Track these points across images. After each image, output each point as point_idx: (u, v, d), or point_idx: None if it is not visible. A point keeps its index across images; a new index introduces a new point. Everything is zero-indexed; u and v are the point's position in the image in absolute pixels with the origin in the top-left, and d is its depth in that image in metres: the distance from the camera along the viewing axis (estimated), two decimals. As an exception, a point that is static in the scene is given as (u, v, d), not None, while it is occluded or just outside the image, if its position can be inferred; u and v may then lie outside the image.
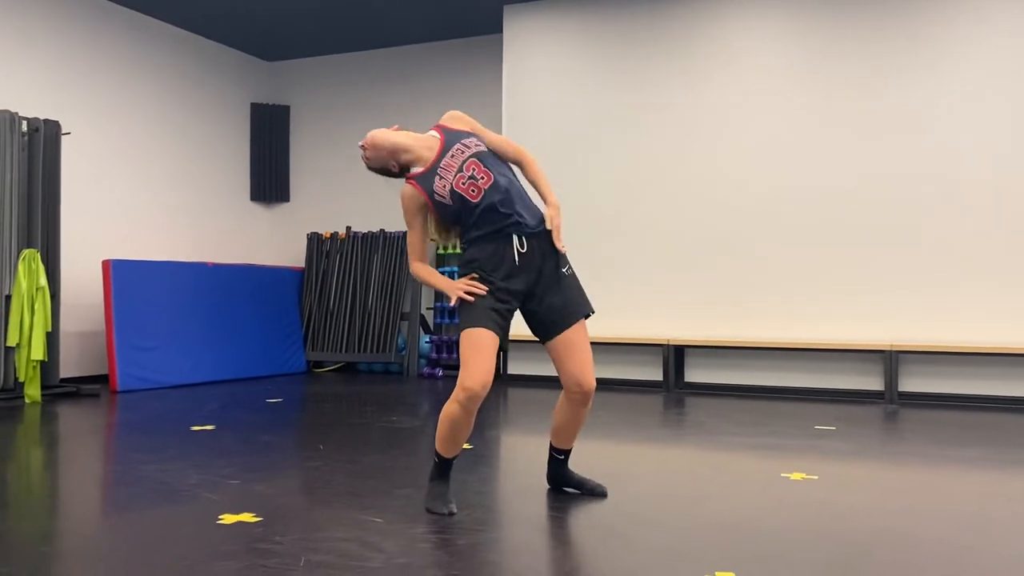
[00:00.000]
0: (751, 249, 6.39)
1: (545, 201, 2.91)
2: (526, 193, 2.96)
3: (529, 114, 7.12)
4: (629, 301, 6.63)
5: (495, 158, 2.91)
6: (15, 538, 2.54)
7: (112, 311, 6.31)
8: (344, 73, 8.53)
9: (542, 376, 6.97)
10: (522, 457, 4.00)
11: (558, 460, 3.15)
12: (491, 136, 2.98)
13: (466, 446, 4.06)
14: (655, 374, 6.56)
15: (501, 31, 7.30)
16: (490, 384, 2.75)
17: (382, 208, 8.20)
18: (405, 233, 7.82)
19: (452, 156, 2.83)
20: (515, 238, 2.82)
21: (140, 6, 7.27)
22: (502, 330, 2.83)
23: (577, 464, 3.27)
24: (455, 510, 2.81)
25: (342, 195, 8.48)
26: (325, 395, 6.25)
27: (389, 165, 2.94)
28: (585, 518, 2.81)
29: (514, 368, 7.19)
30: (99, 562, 2.35)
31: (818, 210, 6.21)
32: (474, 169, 2.81)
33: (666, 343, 6.38)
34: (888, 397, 5.80)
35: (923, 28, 5.99)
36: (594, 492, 3.08)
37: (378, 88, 8.37)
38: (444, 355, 7.56)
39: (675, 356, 6.46)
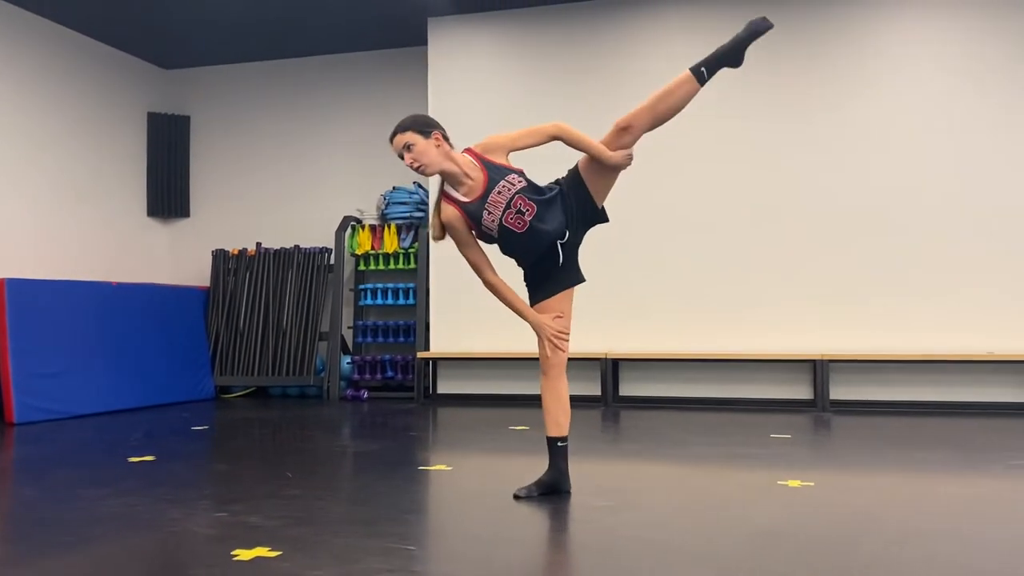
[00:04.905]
0: (680, 264, 6.48)
1: (604, 162, 3.10)
2: (554, 199, 3.13)
3: (456, 128, 6.95)
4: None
5: (534, 187, 3.09)
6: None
7: (7, 335, 5.72)
8: (251, 83, 8.13)
9: (471, 395, 6.83)
10: (495, 476, 3.85)
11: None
12: (524, 138, 3.10)
13: (444, 467, 3.89)
14: (589, 388, 6.53)
15: (426, 43, 7.16)
16: (563, 355, 3.22)
17: (295, 223, 7.85)
18: (323, 249, 7.58)
19: (499, 192, 3.02)
20: (558, 250, 3.16)
21: (27, 3, 6.68)
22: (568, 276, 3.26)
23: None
24: (523, 495, 3.15)
25: (249, 210, 8.06)
26: (252, 421, 5.87)
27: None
28: (615, 531, 2.70)
29: (443, 387, 7.01)
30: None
31: (749, 226, 6.37)
32: (521, 204, 3.03)
33: (604, 357, 6.37)
34: (820, 405, 5.99)
35: (847, 37, 6.29)
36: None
37: (289, 99, 8.03)
38: (367, 376, 7.27)
39: (612, 370, 6.47)
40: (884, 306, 6.09)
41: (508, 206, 3.02)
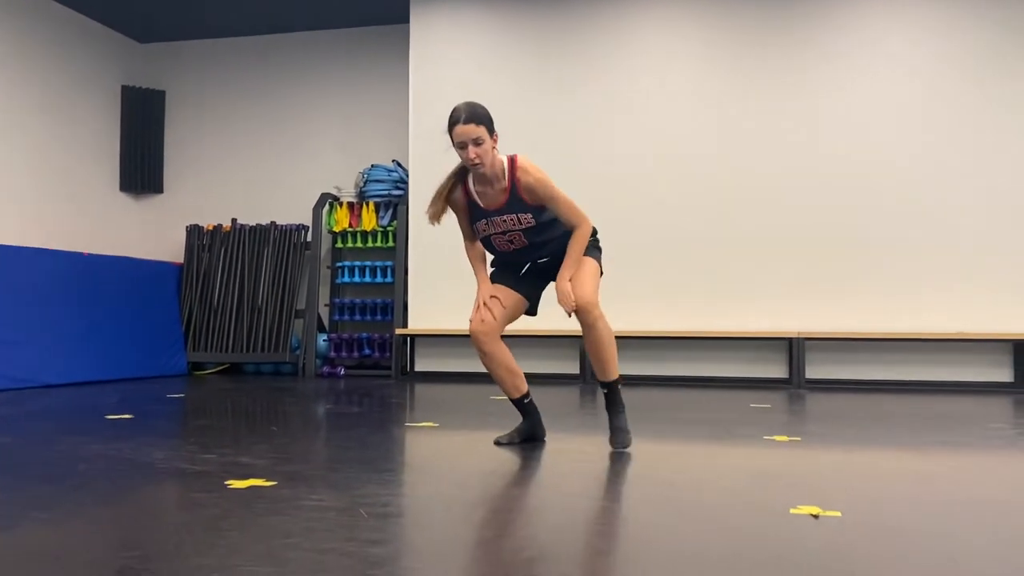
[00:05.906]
0: (657, 245, 6.52)
1: (559, 275, 3.05)
2: (557, 238, 3.16)
3: (437, 107, 6.95)
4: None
5: (540, 229, 3.09)
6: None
7: (-24, 300, 5.59)
8: (228, 58, 8.04)
9: (449, 372, 6.80)
10: (482, 431, 3.84)
11: (602, 393, 3.25)
12: (562, 206, 3.06)
13: (431, 424, 3.86)
14: (567, 367, 6.55)
15: (408, 21, 7.13)
16: (490, 324, 3.12)
17: (272, 199, 7.78)
18: (299, 226, 7.52)
19: (505, 219, 3.07)
20: (524, 267, 3.26)
21: (4, -33, 6.56)
22: (525, 288, 3.23)
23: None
24: (504, 441, 3.21)
25: (224, 186, 7.96)
26: (228, 390, 5.79)
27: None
28: (610, 468, 2.71)
29: (421, 365, 6.97)
30: (123, 528, 2.00)
31: (727, 207, 6.42)
32: (515, 237, 3.10)
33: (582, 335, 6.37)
34: (796, 382, 6.06)
35: (824, 28, 6.38)
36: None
37: (267, 75, 7.95)
38: (343, 354, 7.21)
39: (589, 348, 6.48)
40: (859, 287, 6.18)
41: (504, 232, 3.10)
